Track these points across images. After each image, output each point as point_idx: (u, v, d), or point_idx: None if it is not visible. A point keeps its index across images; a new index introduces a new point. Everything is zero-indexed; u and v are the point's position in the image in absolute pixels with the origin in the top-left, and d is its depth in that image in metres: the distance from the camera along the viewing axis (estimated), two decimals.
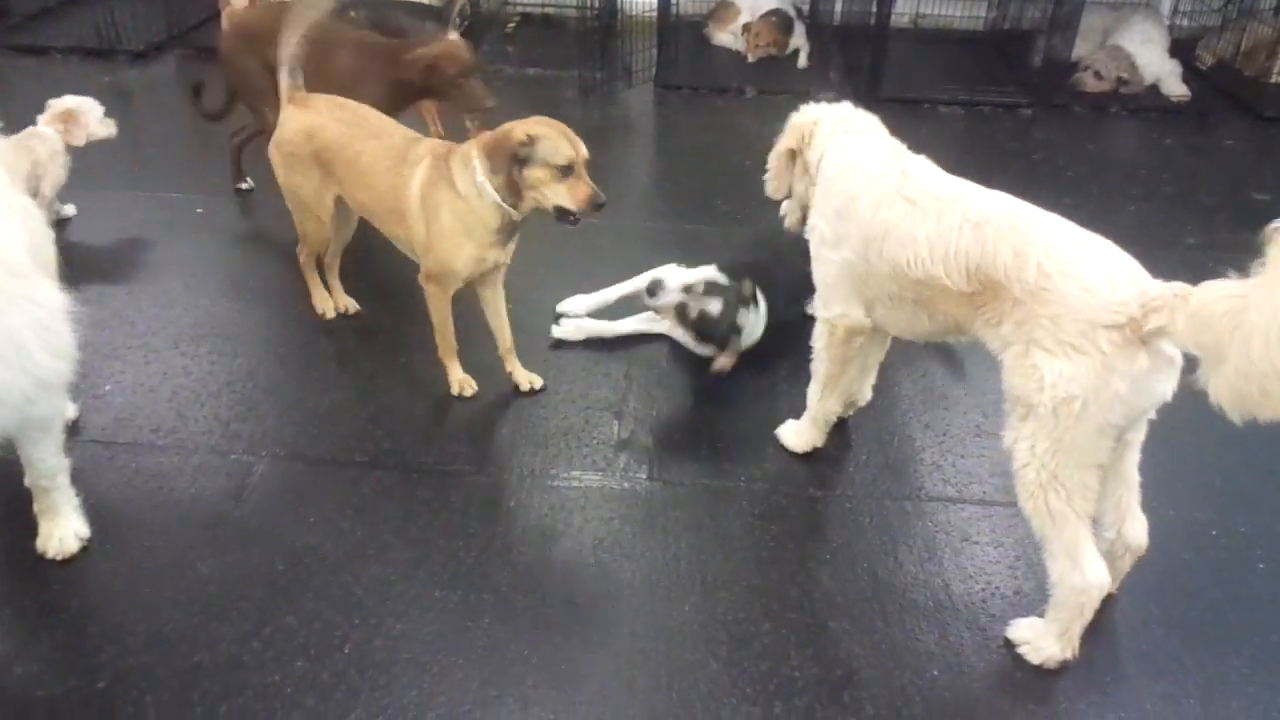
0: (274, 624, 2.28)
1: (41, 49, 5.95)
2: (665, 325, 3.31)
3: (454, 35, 3.88)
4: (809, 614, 2.38)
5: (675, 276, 3.12)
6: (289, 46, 3.06)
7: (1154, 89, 5.84)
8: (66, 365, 2.16)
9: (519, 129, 2.65)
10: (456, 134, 4.12)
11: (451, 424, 3.00)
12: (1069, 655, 2.22)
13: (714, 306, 3.05)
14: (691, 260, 3.31)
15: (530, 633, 2.30)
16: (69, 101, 3.87)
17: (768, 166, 2.80)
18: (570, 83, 5.86)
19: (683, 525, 2.64)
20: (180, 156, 4.79)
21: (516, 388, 3.14)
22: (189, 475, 2.73)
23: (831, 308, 2.64)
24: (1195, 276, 1.94)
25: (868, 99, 5.44)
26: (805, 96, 2.85)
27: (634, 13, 6.18)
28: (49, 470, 2.36)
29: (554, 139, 2.65)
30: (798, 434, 2.91)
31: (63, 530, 2.43)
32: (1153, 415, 2.18)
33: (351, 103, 3.05)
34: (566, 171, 2.65)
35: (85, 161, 3.96)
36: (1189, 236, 4.26)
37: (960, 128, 5.46)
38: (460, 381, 3.10)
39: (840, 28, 6.54)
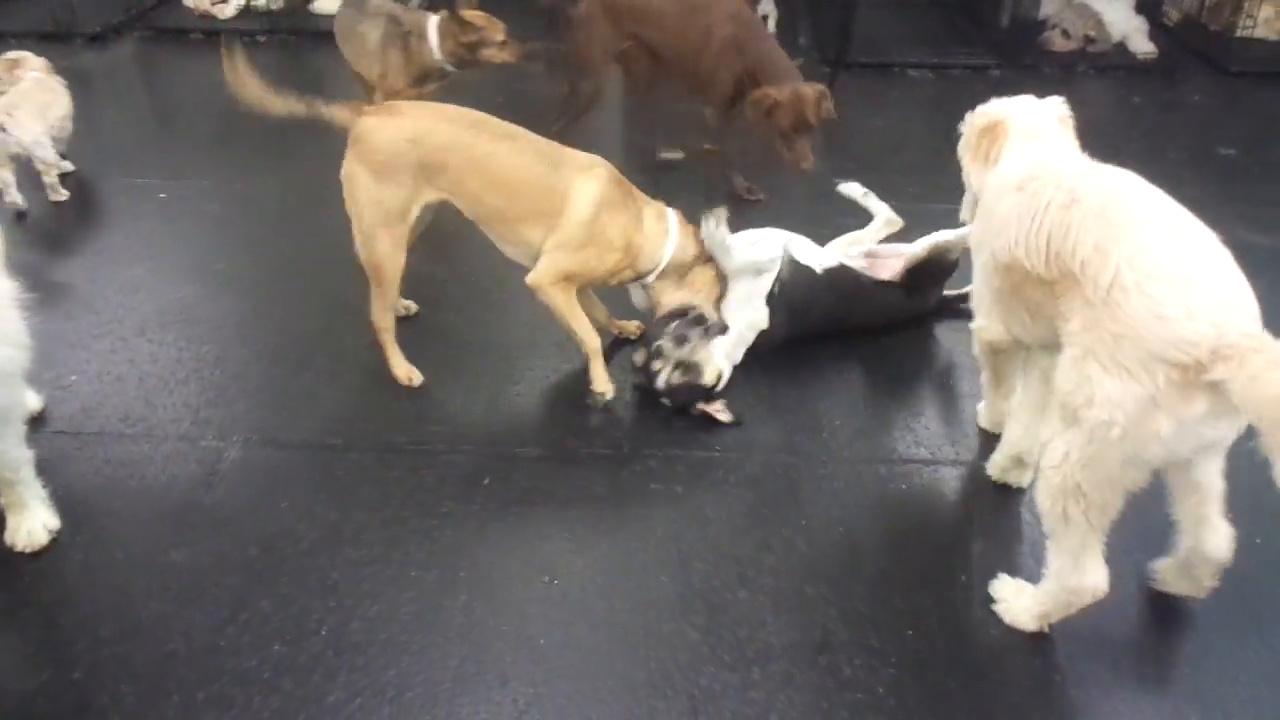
0: (249, 609, 2.27)
1: None
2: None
3: (809, 86, 3.76)
4: (785, 580, 2.39)
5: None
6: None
7: (1121, 47, 5.84)
8: (19, 353, 2.13)
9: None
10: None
11: (424, 404, 2.98)
12: (1040, 630, 2.23)
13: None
14: None
15: (507, 609, 2.30)
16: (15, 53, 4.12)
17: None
18: (538, 56, 5.78)
19: (658, 496, 2.64)
20: (141, 141, 4.72)
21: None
22: (159, 463, 2.70)
23: (976, 318, 2.52)
24: None
25: (836, 64, 5.42)
26: None
27: None
28: (12, 462, 2.33)
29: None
30: (984, 412, 2.88)
31: (31, 523, 2.40)
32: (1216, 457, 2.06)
33: (447, 106, 2.90)
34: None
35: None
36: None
37: (930, 91, 5.45)
38: (606, 384, 2.96)
39: None
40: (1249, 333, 1.79)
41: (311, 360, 3.15)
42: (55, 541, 2.43)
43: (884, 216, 3.44)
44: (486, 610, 2.29)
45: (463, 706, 2.07)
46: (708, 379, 2.87)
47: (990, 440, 2.77)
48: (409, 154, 2.76)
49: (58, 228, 3.93)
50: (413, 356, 3.06)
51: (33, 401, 2.73)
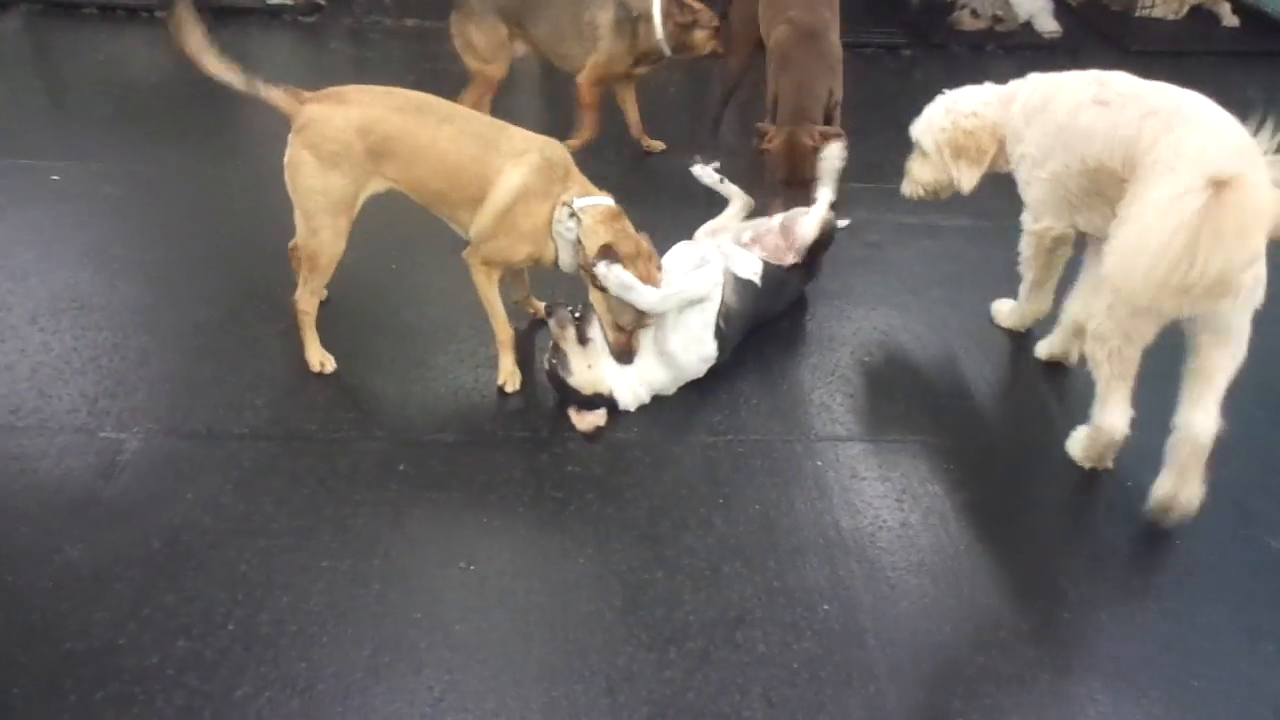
0: (151, 605, 2.19)
1: None
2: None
3: (809, 130, 3.54)
4: (702, 559, 2.40)
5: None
6: None
7: (1028, 26, 5.98)
8: None
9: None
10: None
11: (335, 390, 2.91)
12: (1086, 467, 2.71)
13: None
14: None
15: (423, 596, 2.27)
16: None
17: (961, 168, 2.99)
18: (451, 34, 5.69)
19: (575, 479, 2.62)
20: (30, 120, 4.50)
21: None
22: (53, 456, 2.58)
23: (1040, 221, 2.92)
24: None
25: None
26: None
27: None
28: None
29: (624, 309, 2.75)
30: (1011, 314, 3.28)
31: None
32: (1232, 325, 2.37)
33: (394, 90, 2.82)
34: (618, 327, 2.79)
35: None
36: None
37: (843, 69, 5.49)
38: (510, 374, 2.92)
39: None
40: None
41: (216, 348, 3.05)
42: None
43: (740, 200, 3.42)
44: (401, 598, 2.25)
45: (376, 696, 2.04)
46: (576, 380, 2.79)
47: (892, 418, 2.82)
48: (357, 144, 2.69)
49: None
50: (324, 342, 2.98)
51: None
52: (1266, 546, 2.51)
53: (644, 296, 2.69)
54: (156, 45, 5.75)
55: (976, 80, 3.04)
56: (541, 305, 3.18)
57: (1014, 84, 2.95)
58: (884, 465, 2.73)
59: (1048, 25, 5.95)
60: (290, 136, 2.71)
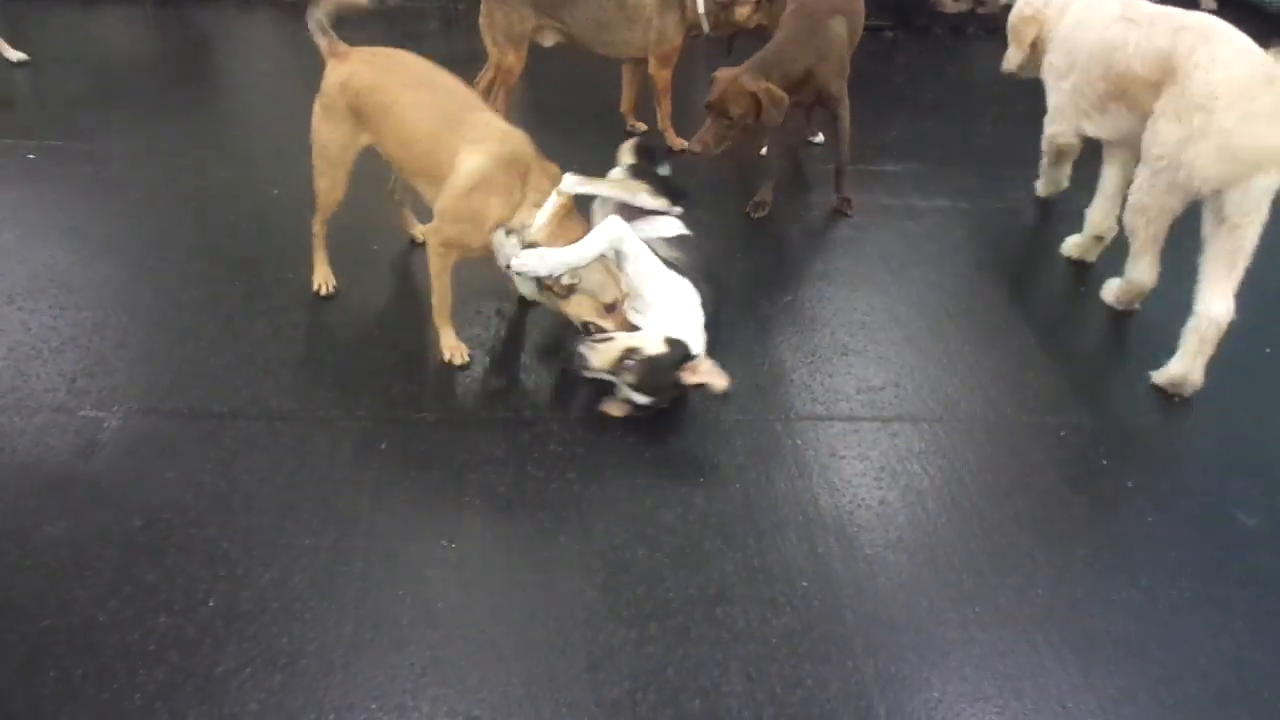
0: (132, 582, 2.19)
1: None
2: None
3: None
4: (683, 536, 2.41)
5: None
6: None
7: (1008, 9, 5.97)
8: None
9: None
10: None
11: (315, 368, 2.91)
12: (1117, 309, 3.38)
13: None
14: None
15: (404, 573, 2.27)
16: None
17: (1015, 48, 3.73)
18: (432, 13, 5.67)
19: (558, 458, 2.63)
20: (6, 99, 4.45)
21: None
22: (32, 435, 2.57)
23: (1054, 125, 3.64)
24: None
25: None
26: None
27: None
28: None
29: (605, 283, 2.74)
30: (1043, 186, 4.04)
31: None
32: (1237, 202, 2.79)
33: (393, 51, 2.94)
34: (610, 308, 2.76)
35: None
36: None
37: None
38: (453, 349, 2.93)
39: None
40: None
41: (198, 327, 3.04)
42: None
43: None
44: (383, 575, 2.26)
45: (359, 671, 2.04)
46: (599, 365, 2.67)
47: (872, 398, 2.85)
48: (341, 99, 2.87)
49: None
50: (303, 324, 2.97)
51: None
52: (1238, 523, 2.55)
53: (569, 255, 2.67)
54: (135, 24, 5.70)
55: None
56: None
57: None
58: (863, 444, 2.75)
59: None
60: None
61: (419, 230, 3.30)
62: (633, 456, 2.66)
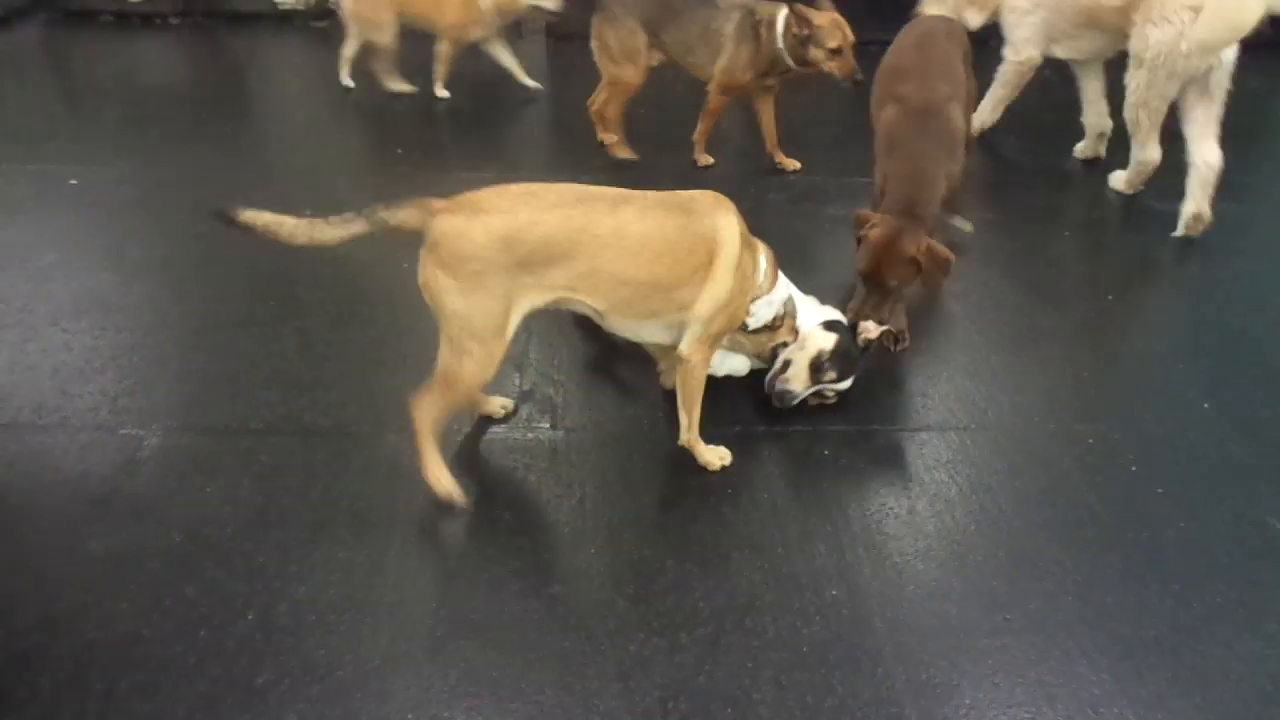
0: (173, 596, 2.24)
1: None
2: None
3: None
4: (712, 547, 2.43)
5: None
6: None
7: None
8: None
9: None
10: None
11: (349, 387, 2.96)
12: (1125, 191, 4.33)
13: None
14: None
15: (438, 586, 2.31)
16: None
17: None
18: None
19: (587, 472, 2.67)
20: (49, 127, 4.58)
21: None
22: (75, 453, 2.64)
23: (1022, 53, 4.41)
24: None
25: None
26: None
27: None
28: None
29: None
30: (983, 114, 4.74)
31: None
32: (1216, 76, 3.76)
33: (537, 185, 2.44)
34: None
35: None
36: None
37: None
38: (722, 455, 2.71)
39: None
40: None
41: (233, 346, 3.11)
42: None
43: None
44: (416, 588, 2.30)
45: (394, 682, 2.08)
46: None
47: (897, 410, 2.85)
48: (503, 258, 2.31)
49: None
50: (336, 341, 3.03)
51: None
52: (1268, 527, 2.53)
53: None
54: (171, 51, 5.83)
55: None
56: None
57: None
58: (891, 454, 2.76)
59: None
60: (422, 253, 2.34)
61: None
62: (662, 470, 2.68)
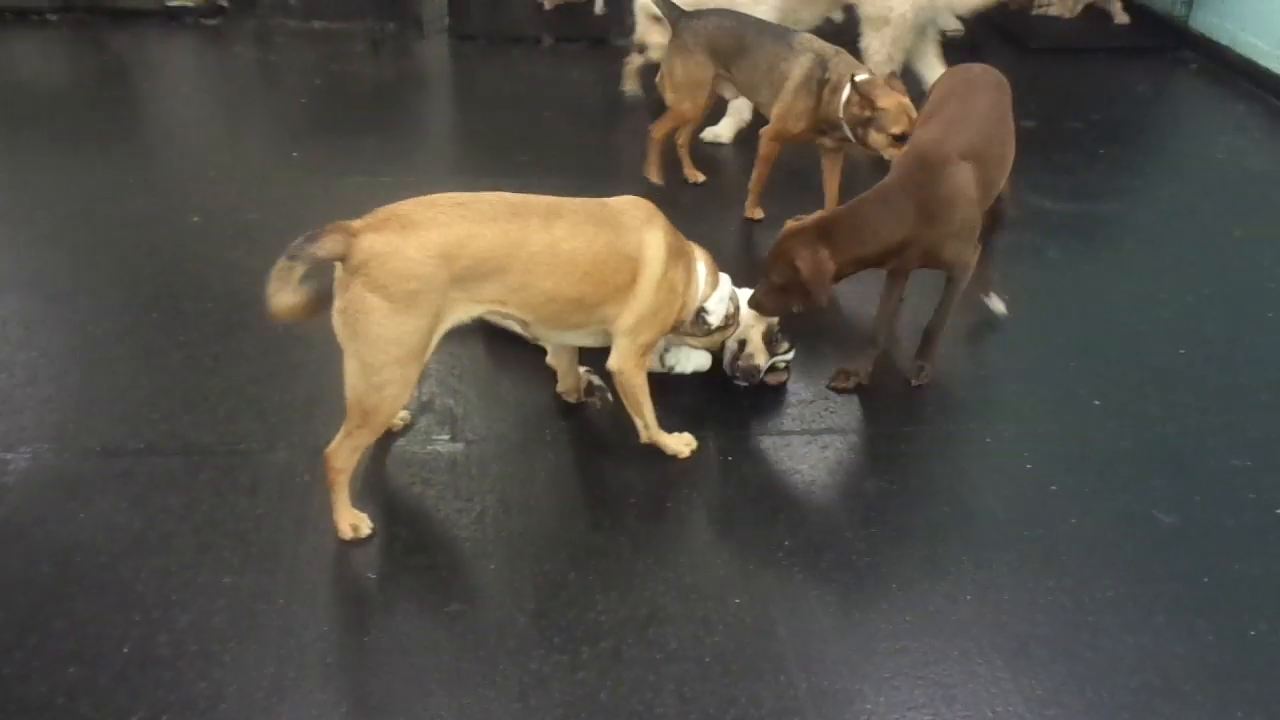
0: (39, 631, 2.10)
1: None
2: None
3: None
4: (614, 558, 2.39)
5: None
6: None
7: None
8: None
9: None
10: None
11: (237, 401, 2.83)
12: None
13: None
14: None
15: (329, 609, 2.22)
16: None
17: None
18: (359, 36, 5.61)
19: (487, 484, 2.60)
20: None
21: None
22: None
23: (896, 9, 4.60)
24: None
25: None
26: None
27: None
28: None
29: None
30: None
31: None
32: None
33: (467, 195, 2.37)
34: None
35: None
36: None
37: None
38: (688, 442, 2.73)
39: None
40: None
41: (111, 361, 2.95)
42: None
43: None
44: (305, 612, 2.20)
45: (282, 713, 1.98)
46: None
47: (803, 411, 2.86)
48: (440, 274, 2.21)
49: None
50: (224, 355, 2.90)
51: None
52: (1156, 521, 2.60)
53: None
54: (48, 49, 5.54)
55: None
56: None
57: None
58: (794, 458, 2.76)
59: (950, 23, 6.09)
60: (341, 277, 2.19)
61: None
62: (564, 481, 2.64)
